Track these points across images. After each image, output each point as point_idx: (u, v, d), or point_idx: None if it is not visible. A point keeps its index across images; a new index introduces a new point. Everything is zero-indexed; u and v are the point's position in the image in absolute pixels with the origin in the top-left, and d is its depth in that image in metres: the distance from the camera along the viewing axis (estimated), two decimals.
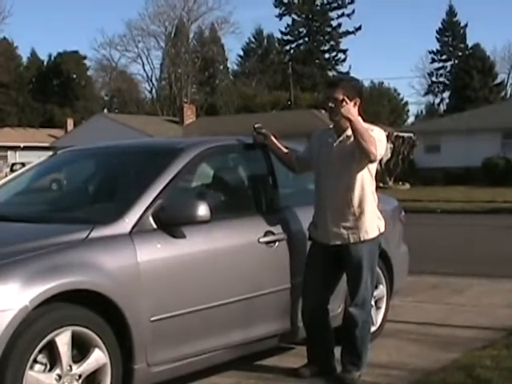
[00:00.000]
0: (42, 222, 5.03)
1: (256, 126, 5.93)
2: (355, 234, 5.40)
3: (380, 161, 5.58)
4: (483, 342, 6.41)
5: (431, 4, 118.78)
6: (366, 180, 5.40)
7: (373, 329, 6.42)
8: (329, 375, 5.51)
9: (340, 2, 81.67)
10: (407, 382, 5.32)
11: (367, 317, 5.57)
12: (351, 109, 5.31)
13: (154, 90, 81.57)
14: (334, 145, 5.48)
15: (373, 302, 6.48)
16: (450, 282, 9.64)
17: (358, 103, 5.46)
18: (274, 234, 5.58)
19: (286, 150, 5.84)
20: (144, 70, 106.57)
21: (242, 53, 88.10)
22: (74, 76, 78.49)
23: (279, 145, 5.86)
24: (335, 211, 5.42)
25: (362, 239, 5.41)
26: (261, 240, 5.49)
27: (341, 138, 5.47)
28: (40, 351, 4.18)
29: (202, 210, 4.85)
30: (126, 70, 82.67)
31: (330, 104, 5.39)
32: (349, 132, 5.43)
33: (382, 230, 5.54)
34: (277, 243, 5.58)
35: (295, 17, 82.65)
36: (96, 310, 4.42)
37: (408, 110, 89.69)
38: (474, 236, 16.06)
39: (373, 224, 5.44)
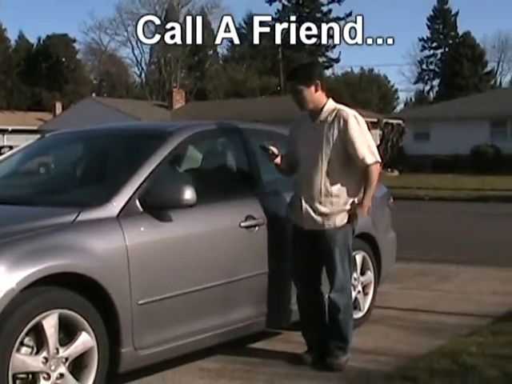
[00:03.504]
0: (30, 204, 5.02)
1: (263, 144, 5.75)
2: (329, 221, 5.39)
3: None
4: (469, 329, 6.44)
5: None
6: (342, 166, 5.39)
7: (360, 314, 6.48)
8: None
9: None
10: (394, 367, 5.34)
11: (348, 301, 5.59)
12: (367, 206, 5.39)
13: (143, 74, 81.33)
14: (309, 131, 5.50)
15: (360, 288, 6.53)
16: (437, 269, 9.68)
17: (318, 85, 5.46)
18: (254, 218, 5.58)
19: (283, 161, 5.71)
20: (133, 53, 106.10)
21: None
22: (63, 59, 78.09)
23: (280, 162, 5.70)
24: (309, 196, 5.43)
25: (336, 225, 5.40)
26: (242, 224, 5.50)
27: (314, 124, 5.49)
28: (27, 334, 4.17)
29: (188, 194, 4.85)
30: (115, 54, 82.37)
31: (293, 97, 5.47)
32: (322, 117, 5.45)
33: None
34: (257, 228, 5.59)
35: (285, 2, 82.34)
36: (83, 293, 4.41)
37: (398, 97, 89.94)
38: (462, 224, 16.12)
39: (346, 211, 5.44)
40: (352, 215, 5.41)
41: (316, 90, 5.44)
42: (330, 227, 5.39)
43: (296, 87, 5.45)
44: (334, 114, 5.42)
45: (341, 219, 5.40)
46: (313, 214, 5.42)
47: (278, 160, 5.64)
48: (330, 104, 5.50)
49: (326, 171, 5.38)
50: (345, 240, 5.46)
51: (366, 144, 5.37)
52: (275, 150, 5.60)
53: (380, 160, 5.45)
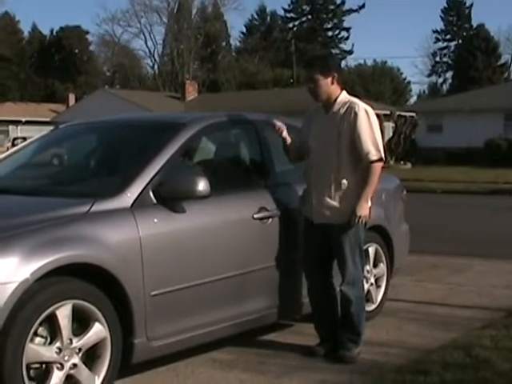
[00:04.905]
0: (44, 195, 5.03)
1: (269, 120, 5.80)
2: (339, 215, 5.38)
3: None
4: (482, 322, 6.43)
5: None
6: (352, 160, 5.37)
7: (373, 307, 6.47)
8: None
9: None
10: (406, 360, 5.34)
11: (360, 293, 5.58)
12: (363, 208, 5.32)
13: (155, 66, 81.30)
14: (322, 123, 5.50)
15: (373, 280, 6.52)
16: (450, 262, 9.65)
17: (335, 78, 5.46)
18: (267, 210, 5.58)
19: (291, 141, 5.76)
20: (146, 45, 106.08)
21: (244, 30, 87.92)
22: (76, 51, 78.28)
23: (288, 138, 5.76)
24: (320, 190, 5.43)
25: (345, 221, 5.38)
26: (255, 216, 5.50)
27: (327, 116, 5.48)
28: (40, 324, 4.19)
29: (202, 186, 4.86)
30: (128, 46, 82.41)
31: (309, 85, 5.43)
32: (334, 109, 5.44)
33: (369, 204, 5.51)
34: (270, 219, 5.59)
35: None
36: (97, 283, 4.42)
37: (411, 90, 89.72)
38: (475, 217, 16.06)
39: None
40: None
41: (332, 83, 5.43)
42: (341, 222, 5.38)
43: (313, 76, 5.42)
44: (346, 107, 5.41)
45: (350, 214, 5.38)
46: (323, 207, 5.41)
47: (284, 134, 5.69)
48: (344, 96, 5.48)
49: (337, 164, 5.37)
50: (355, 233, 5.45)
51: (373, 139, 5.33)
52: (281, 125, 5.64)
53: (384, 158, 5.41)
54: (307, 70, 5.52)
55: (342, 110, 5.40)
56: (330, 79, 5.42)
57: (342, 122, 5.37)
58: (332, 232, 5.44)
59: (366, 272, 6.19)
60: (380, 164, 5.36)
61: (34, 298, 4.11)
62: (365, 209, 5.32)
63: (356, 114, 5.33)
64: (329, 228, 5.44)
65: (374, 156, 5.31)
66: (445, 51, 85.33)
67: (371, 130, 5.34)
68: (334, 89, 5.45)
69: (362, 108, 5.39)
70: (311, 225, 5.53)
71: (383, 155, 5.39)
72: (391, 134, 41.70)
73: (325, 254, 5.57)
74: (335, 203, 5.38)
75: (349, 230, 5.39)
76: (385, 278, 6.72)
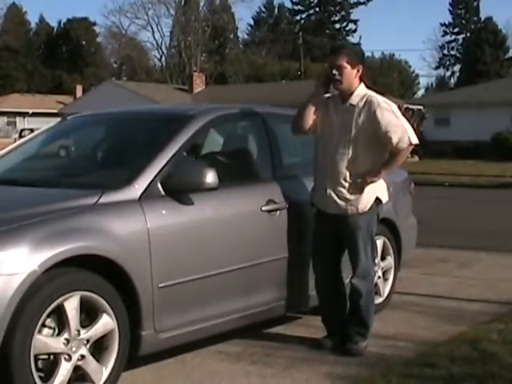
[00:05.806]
0: (52, 186, 5.02)
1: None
2: (353, 206, 5.38)
3: None
4: (490, 316, 6.43)
5: None
6: (368, 152, 5.36)
7: (380, 300, 6.47)
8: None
9: None
10: (414, 353, 5.34)
11: (370, 287, 5.58)
12: (372, 174, 5.34)
13: (163, 58, 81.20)
14: (338, 113, 5.47)
15: (380, 273, 6.51)
16: (457, 256, 9.64)
17: (360, 70, 5.45)
18: (275, 202, 5.57)
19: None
20: (154, 37, 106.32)
21: (252, 22, 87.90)
22: (84, 42, 78.39)
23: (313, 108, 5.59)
24: (333, 180, 5.41)
25: (359, 211, 5.39)
26: (263, 208, 5.49)
27: (343, 107, 5.45)
28: (48, 315, 4.18)
29: (210, 178, 4.85)
30: (135, 38, 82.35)
31: (334, 71, 5.37)
32: (352, 101, 5.41)
33: (385, 199, 5.53)
34: (278, 212, 5.58)
35: None
36: (105, 275, 4.42)
37: (418, 83, 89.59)
38: (483, 210, 16.03)
39: (372, 195, 5.41)
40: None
41: (356, 74, 5.42)
42: (354, 212, 5.38)
43: (341, 64, 5.36)
44: (364, 100, 5.38)
45: (364, 204, 5.38)
46: (336, 198, 5.40)
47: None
48: (361, 89, 5.46)
49: (353, 156, 5.35)
50: (368, 226, 5.45)
51: (402, 127, 5.32)
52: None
53: (417, 142, 5.39)
54: (335, 57, 5.40)
55: (361, 104, 5.38)
56: (355, 70, 5.41)
57: (360, 114, 5.35)
58: (345, 224, 5.42)
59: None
60: (410, 148, 5.38)
61: (41, 290, 4.11)
62: (373, 176, 5.34)
63: (377, 107, 5.31)
64: (342, 219, 5.42)
65: (404, 144, 5.31)
66: (453, 44, 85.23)
67: (396, 118, 5.34)
68: (356, 81, 5.43)
69: (382, 100, 5.38)
70: (323, 216, 5.52)
71: (415, 139, 5.36)
72: None
73: (336, 246, 5.56)
74: (349, 194, 5.37)
75: (362, 223, 5.39)
76: (392, 271, 6.72)
